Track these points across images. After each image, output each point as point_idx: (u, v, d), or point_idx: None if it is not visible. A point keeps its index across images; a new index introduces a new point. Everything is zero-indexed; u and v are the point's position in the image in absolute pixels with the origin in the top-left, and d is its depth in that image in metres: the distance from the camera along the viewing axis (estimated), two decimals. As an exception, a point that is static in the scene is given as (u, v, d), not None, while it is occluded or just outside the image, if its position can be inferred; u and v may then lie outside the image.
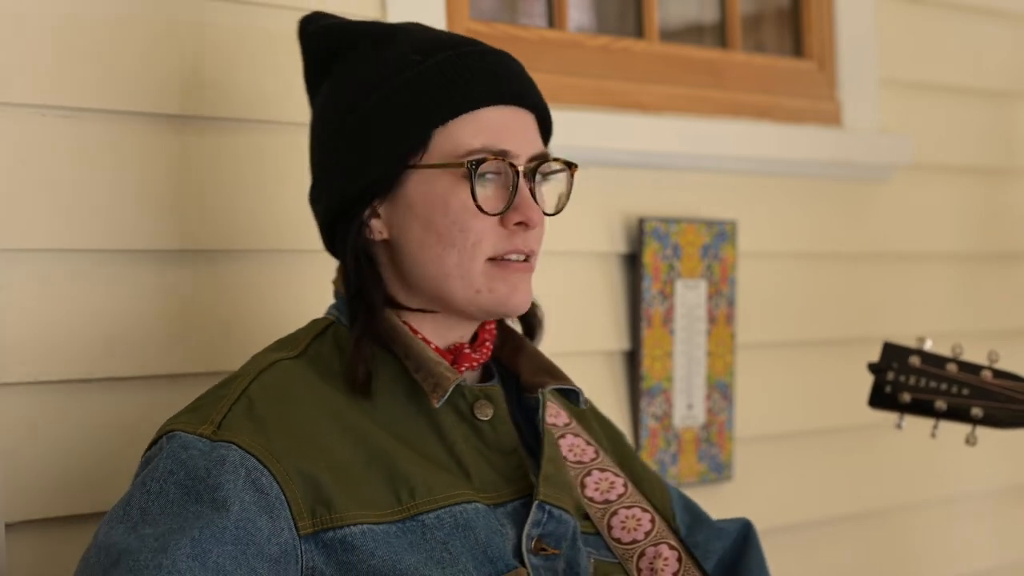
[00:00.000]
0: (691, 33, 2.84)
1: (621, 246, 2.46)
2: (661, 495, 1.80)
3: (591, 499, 1.70)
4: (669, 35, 2.72)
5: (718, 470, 2.55)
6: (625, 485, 1.73)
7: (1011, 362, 2.19)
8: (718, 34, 2.79)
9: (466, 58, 1.66)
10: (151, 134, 1.89)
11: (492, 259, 1.65)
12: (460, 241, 1.63)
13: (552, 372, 1.72)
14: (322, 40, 1.72)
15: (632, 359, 2.46)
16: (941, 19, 3.02)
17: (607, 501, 1.70)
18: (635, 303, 2.45)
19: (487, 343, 1.71)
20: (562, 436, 1.74)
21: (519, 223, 1.64)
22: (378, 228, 1.66)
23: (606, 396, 2.43)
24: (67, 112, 1.82)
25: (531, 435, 1.69)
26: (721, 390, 2.55)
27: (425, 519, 1.55)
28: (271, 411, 1.57)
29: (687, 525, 1.79)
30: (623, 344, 2.45)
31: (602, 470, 1.73)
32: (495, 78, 1.66)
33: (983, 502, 3.09)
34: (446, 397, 1.61)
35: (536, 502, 1.61)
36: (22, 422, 1.77)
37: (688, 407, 2.50)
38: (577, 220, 2.40)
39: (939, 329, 2.91)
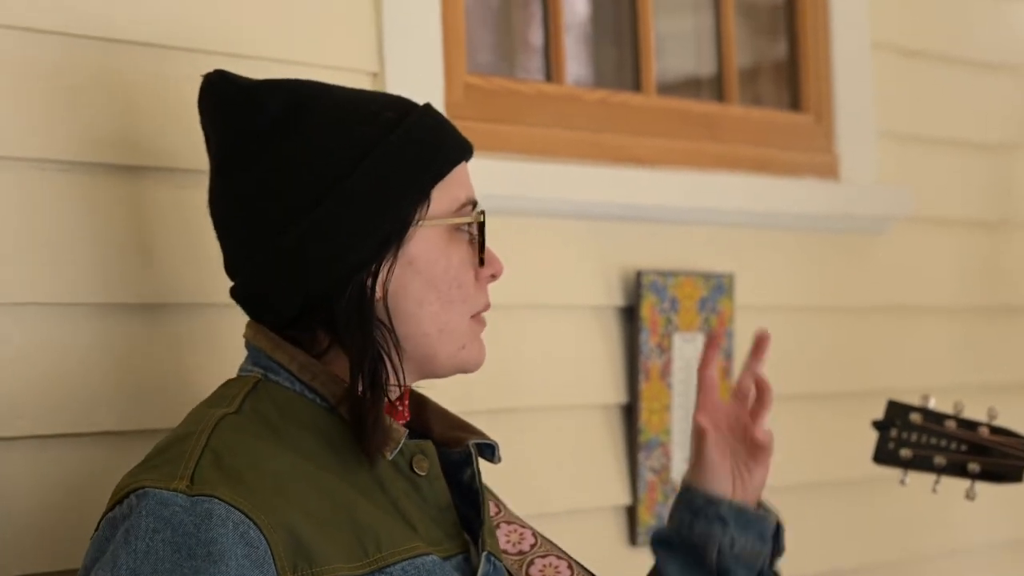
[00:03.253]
0: (688, 86, 2.85)
1: (618, 299, 2.45)
2: None
3: (505, 551, 1.72)
4: (666, 88, 2.73)
5: (718, 524, 2.53)
6: (534, 535, 1.75)
7: (1013, 415, 2.19)
8: (715, 87, 2.79)
9: (432, 114, 1.68)
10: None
11: (473, 316, 1.67)
12: (457, 297, 1.65)
13: (467, 428, 1.72)
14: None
15: (630, 412, 2.45)
16: (938, 71, 3.03)
17: (521, 552, 1.73)
18: (632, 356, 2.44)
19: (405, 401, 1.68)
20: None
21: (492, 275, 1.67)
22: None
23: (604, 449, 2.42)
24: (66, 166, 1.81)
25: (456, 490, 1.68)
26: (720, 443, 2.54)
27: (392, 571, 1.55)
28: (241, 464, 1.53)
29: None
30: (621, 397, 2.44)
31: (509, 523, 1.75)
32: (456, 131, 1.69)
33: (987, 555, 3.07)
34: (399, 449, 1.60)
35: (484, 553, 1.63)
36: None
37: (686, 460, 2.49)
38: (574, 273, 2.40)
39: (940, 382, 2.89)
